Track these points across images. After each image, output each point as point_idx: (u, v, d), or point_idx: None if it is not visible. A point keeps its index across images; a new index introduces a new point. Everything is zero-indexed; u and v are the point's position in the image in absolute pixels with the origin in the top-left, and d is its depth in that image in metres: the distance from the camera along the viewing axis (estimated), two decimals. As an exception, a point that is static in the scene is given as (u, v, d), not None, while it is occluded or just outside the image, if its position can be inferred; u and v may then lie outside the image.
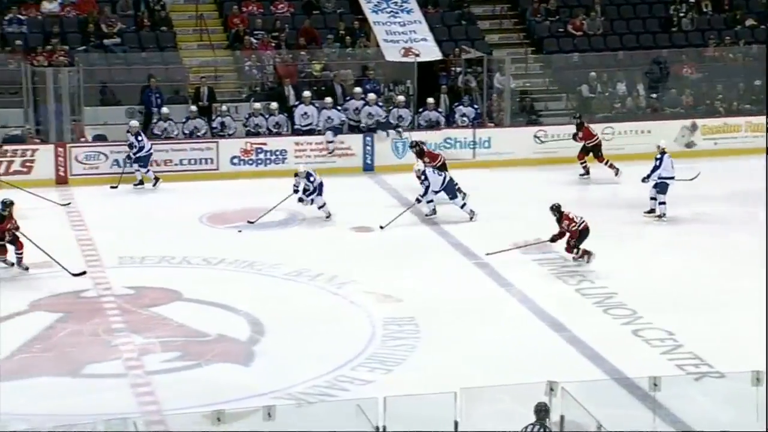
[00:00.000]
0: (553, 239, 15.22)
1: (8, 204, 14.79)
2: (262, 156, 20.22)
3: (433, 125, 20.99)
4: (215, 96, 21.04)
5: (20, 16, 21.55)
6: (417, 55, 21.66)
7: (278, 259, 15.21)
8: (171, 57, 21.81)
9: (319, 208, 17.05)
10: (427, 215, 17.19)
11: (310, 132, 20.54)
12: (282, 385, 11.31)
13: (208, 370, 11.90)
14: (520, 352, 12.22)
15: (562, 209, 15.05)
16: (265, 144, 20.20)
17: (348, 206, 17.52)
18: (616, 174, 19.54)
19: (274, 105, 20.74)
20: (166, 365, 12.00)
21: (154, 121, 20.39)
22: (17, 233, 14.67)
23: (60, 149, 19.55)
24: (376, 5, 22.21)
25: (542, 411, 8.82)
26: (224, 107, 20.76)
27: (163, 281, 14.53)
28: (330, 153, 20.28)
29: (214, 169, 19.84)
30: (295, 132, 20.54)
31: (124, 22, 21.99)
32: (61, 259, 14.54)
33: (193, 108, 20.61)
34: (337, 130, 20.35)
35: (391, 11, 22.11)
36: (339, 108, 20.62)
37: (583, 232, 14.99)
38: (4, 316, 13.17)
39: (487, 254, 15.34)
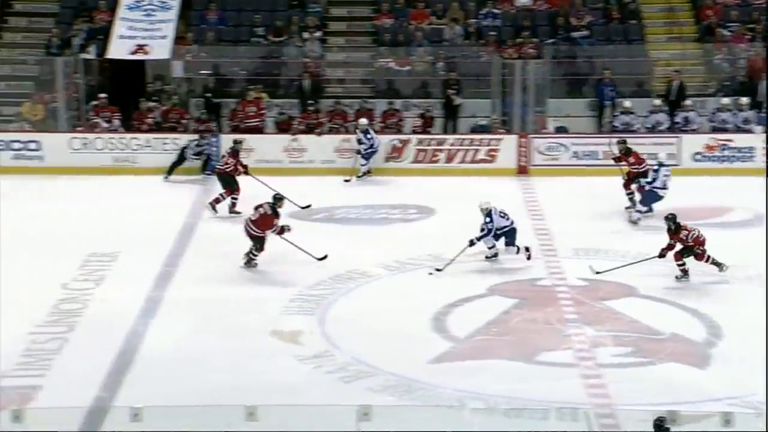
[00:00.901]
0: (662, 254, 14.00)
1: (279, 198, 14.70)
2: (727, 153, 19.42)
3: None
4: (685, 90, 20.51)
5: (495, 11, 22.37)
6: None
7: (738, 262, 14.44)
8: (637, 50, 21.61)
9: (489, 248, 14.93)
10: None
11: (784, 129, 19.45)
12: (740, 392, 10.79)
13: (660, 369, 11.64)
14: None
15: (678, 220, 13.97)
16: (731, 140, 19.37)
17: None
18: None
19: (744, 100, 19.91)
20: (617, 360, 11.90)
21: (616, 114, 20.31)
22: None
23: (522, 140, 20.04)
24: None
25: (660, 426, 8.12)
26: (689, 101, 20.21)
27: (617, 275, 14.38)
28: None
29: (676, 165, 19.35)
30: (769, 130, 19.56)
31: (593, 15, 22.11)
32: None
33: (657, 102, 20.28)
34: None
35: None
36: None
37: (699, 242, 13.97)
38: (464, 298, 13.71)
39: (597, 273, 14.11)
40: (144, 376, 11.36)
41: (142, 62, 20.97)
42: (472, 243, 14.55)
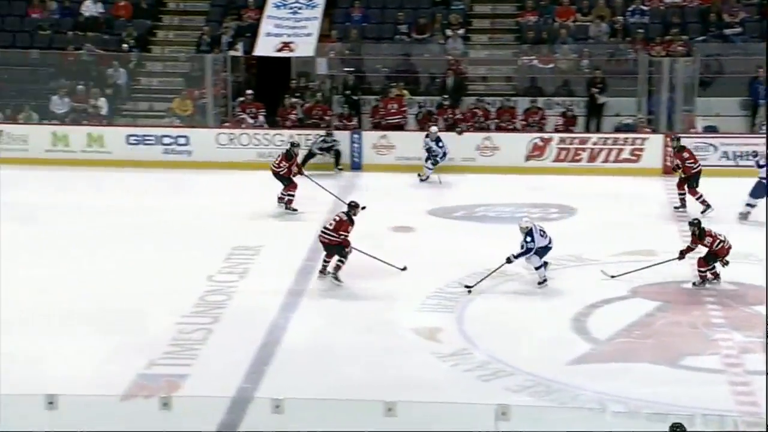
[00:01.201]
0: (682, 256, 13.80)
1: (354, 206, 14.13)
2: None
3: None
4: None
5: (643, 7, 21.99)
6: None
7: None
8: (793, 47, 20.87)
9: (536, 268, 13.99)
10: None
11: None
12: None
13: (812, 379, 11.17)
14: None
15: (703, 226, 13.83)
16: None
17: None
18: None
19: None
20: (767, 367, 11.50)
21: (771, 115, 19.74)
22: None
23: (669, 139, 19.58)
24: None
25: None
26: None
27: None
28: None
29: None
30: None
31: (747, 12, 21.50)
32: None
33: (812, 101, 19.57)
34: None
35: None
36: None
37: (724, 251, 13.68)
38: (605, 299, 13.48)
39: (613, 276, 13.90)
40: (285, 369, 11.53)
41: (287, 59, 21.33)
42: (509, 260, 13.80)
